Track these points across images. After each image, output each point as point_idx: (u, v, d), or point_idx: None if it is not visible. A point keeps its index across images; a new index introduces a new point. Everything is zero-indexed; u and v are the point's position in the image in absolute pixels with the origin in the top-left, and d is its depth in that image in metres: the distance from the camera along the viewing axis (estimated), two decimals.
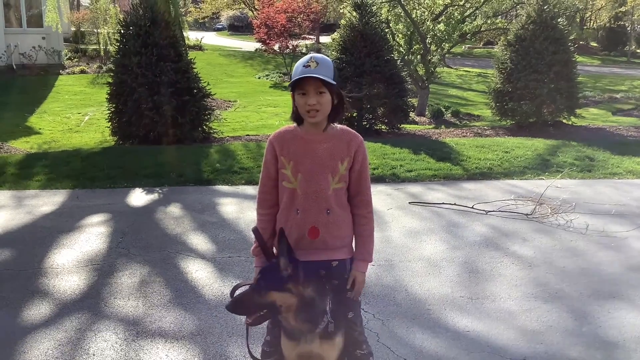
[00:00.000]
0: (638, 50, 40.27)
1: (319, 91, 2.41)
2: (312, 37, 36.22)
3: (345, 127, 2.60)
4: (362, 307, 3.82)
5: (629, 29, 39.34)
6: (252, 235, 2.58)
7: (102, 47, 21.80)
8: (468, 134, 10.97)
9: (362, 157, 2.56)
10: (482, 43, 38.80)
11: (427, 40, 14.07)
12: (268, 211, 2.65)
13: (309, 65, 2.40)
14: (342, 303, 2.62)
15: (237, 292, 2.53)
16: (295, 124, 2.58)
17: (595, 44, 42.64)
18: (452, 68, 26.79)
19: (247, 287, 2.46)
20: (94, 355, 3.48)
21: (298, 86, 2.43)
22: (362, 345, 2.72)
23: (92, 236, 5.44)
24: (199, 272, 4.65)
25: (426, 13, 14.72)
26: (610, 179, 7.84)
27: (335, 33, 12.12)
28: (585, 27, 43.63)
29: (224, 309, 3.34)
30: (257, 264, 2.61)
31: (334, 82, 2.43)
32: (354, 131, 2.60)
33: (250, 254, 2.74)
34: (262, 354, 2.78)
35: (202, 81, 10.08)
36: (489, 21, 18.33)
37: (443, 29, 14.39)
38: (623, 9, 36.83)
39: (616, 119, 13.79)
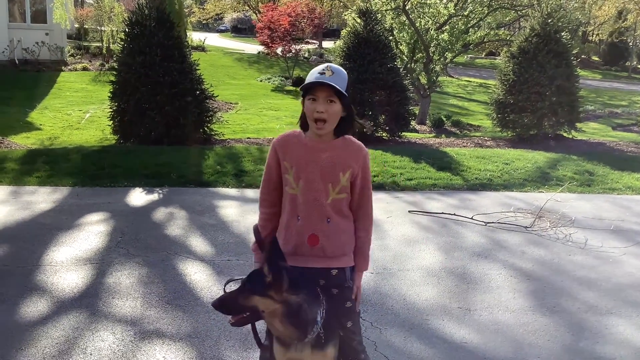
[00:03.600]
0: (639, 66, 40.41)
1: (329, 99, 2.42)
2: (315, 41, 36.36)
3: (351, 137, 2.58)
4: (360, 316, 3.83)
5: (630, 44, 39.56)
6: (252, 239, 2.60)
7: (105, 45, 21.82)
8: (469, 144, 11.00)
9: (365, 170, 2.57)
10: (484, 53, 38.96)
11: (430, 49, 14.12)
12: (268, 210, 2.67)
13: (324, 73, 2.42)
14: (340, 313, 2.61)
15: (227, 286, 2.58)
16: (300, 130, 2.59)
17: (596, 59, 42.81)
18: (454, 77, 26.85)
19: (239, 281, 2.46)
20: (91, 354, 3.47)
21: (309, 92, 2.45)
22: (361, 355, 2.72)
23: (91, 234, 5.43)
24: (197, 274, 4.64)
25: (430, 22, 14.77)
26: (610, 194, 7.86)
27: (339, 41, 12.15)
28: (587, 42, 43.79)
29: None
30: (256, 259, 2.64)
31: (346, 94, 2.43)
32: (359, 142, 2.59)
33: (251, 255, 2.75)
34: (260, 359, 2.79)
35: (204, 83, 10.10)
36: (492, 32, 18.40)
37: (446, 39, 14.44)
38: (625, 24, 37.01)
39: (616, 134, 13.85)
